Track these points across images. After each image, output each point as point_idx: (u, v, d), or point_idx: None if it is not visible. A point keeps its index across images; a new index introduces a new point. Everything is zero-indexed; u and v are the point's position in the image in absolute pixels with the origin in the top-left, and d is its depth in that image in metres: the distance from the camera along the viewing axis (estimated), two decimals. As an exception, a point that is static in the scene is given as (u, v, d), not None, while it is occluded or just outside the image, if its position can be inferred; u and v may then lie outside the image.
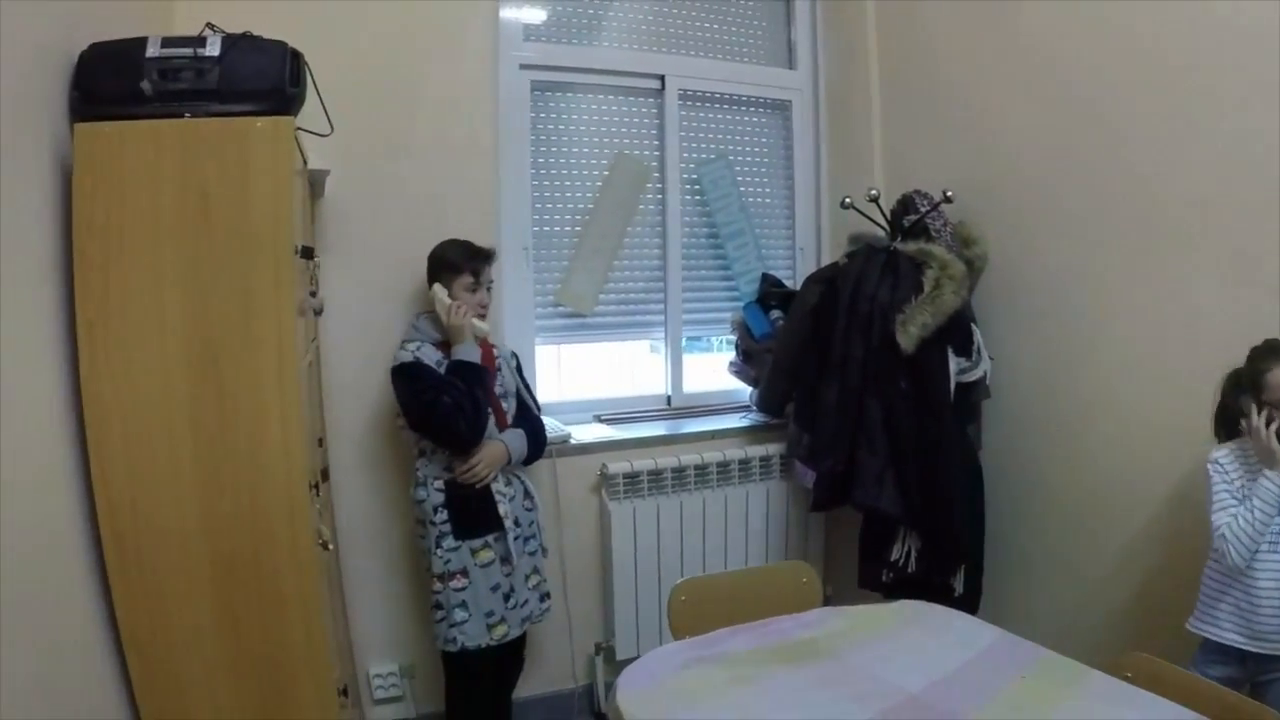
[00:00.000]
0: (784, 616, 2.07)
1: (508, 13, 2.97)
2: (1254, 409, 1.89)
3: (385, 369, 2.44)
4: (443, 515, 2.38)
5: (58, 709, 1.41)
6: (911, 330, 2.51)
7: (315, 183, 2.44)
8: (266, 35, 1.75)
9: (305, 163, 2.10)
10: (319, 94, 1.90)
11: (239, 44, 1.67)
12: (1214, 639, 1.97)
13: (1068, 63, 2.55)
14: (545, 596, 2.65)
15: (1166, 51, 2.28)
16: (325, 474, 2.26)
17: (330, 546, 1.90)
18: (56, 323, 1.55)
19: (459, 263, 2.44)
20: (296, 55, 1.76)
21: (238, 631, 1.70)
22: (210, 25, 1.72)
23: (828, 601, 2.21)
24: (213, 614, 1.68)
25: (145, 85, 1.59)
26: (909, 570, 2.71)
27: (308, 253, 1.83)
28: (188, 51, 1.62)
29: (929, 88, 3.09)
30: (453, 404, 2.29)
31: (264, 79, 1.69)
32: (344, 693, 1.88)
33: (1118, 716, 1.61)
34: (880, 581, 2.78)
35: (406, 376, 2.36)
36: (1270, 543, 1.89)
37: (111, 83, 1.59)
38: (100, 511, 1.60)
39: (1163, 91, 2.29)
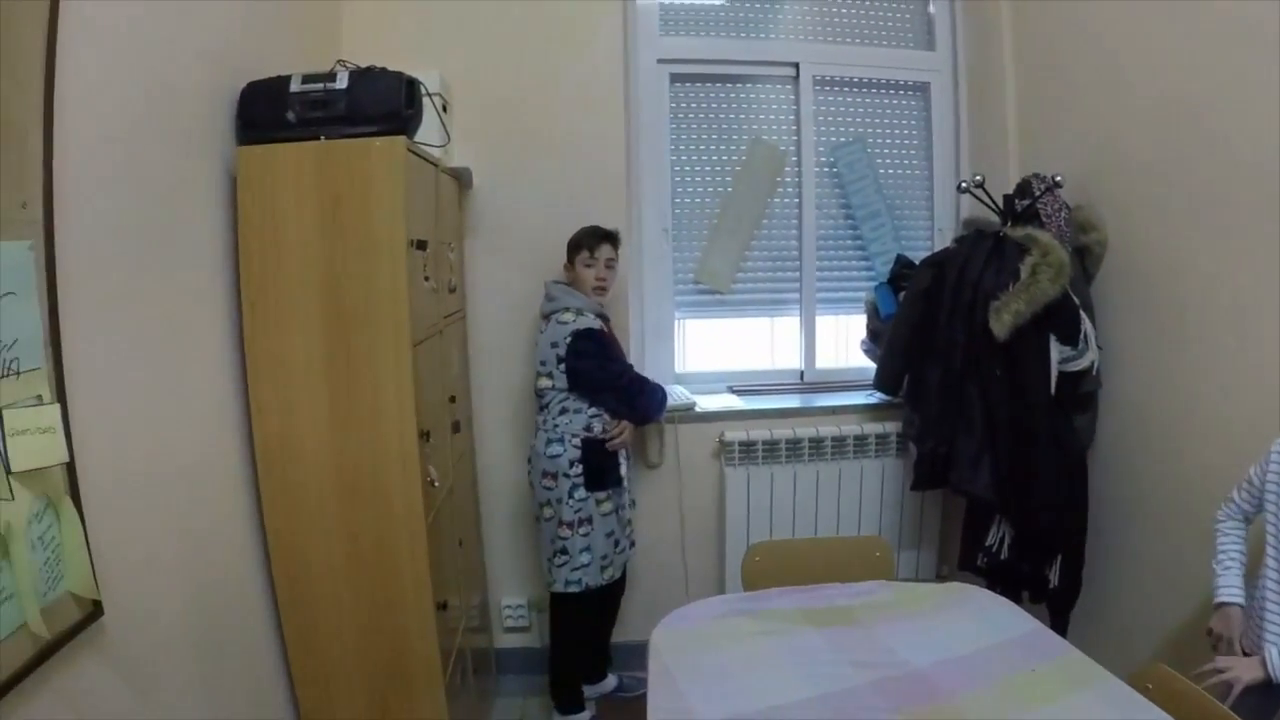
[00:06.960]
0: (837, 584, 2.20)
1: (645, 10, 3.20)
2: None
3: (525, 337, 2.88)
4: (577, 469, 2.71)
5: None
6: (1005, 318, 2.48)
7: (460, 177, 2.85)
8: (410, 50, 2.28)
9: (436, 167, 2.47)
10: (438, 110, 2.28)
11: (363, 76, 2.03)
12: None
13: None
14: (633, 543, 2.99)
15: None
16: (456, 426, 2.65)
17: (437, 484, 2.27)
18: (226, 300, 2.01)
19: (579, 240, 2.81)
20: (412, 82, 2.10)
21: (357, 544, 2.12)
22: (341, 62, 2.12)
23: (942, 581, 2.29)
24: (340, 532, 2.12)
25: (290, 115, 1.99)
26: (1001, 557, 2.71)
27: (421, 245, 2.17)
28: (320, 87, 2.00)
29: (1065, 70, 2.94)
30: (646, 380, 2.82)
31: (383, 105, 2.03)
32: (443, 606, 2.26)
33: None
34: (976, 565, 2.79)
35: (596, 341, 2.70)
36: None
37: (264, 114, 2.00)
38: (258, 445, 2.06)
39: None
